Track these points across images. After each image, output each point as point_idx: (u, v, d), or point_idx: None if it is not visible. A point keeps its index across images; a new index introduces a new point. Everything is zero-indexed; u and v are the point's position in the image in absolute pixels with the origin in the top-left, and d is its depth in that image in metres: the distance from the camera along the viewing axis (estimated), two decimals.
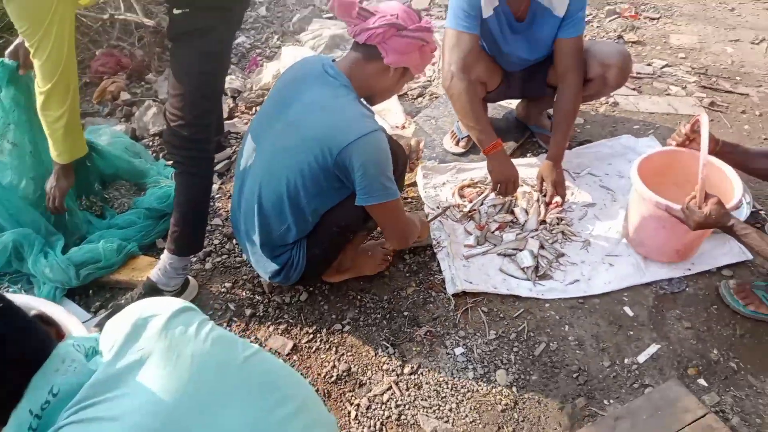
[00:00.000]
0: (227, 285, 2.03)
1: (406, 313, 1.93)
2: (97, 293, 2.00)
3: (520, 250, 2.05)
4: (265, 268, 1.79)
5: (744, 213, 2.18)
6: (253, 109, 2.97)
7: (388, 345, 1.83)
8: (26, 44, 1.67)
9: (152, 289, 1.86)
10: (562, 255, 2.07)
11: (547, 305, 1.94)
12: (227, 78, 3.04)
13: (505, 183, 2.12)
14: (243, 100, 3.00)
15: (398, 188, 1.66)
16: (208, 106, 1.78)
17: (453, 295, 1.96)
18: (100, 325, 1.81)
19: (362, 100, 1.66)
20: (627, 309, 1.92)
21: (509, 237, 2.12)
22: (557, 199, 2.20)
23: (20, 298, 1.57)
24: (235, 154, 2.64)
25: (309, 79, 1.64)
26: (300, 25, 3.76)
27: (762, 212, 2.26)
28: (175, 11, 1.68)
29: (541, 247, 2.07)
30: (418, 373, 1.76)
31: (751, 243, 1.60)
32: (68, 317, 1.50)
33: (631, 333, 1.86)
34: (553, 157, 2.19)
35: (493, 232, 2.16)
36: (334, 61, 1.67)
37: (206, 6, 1.66)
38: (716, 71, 3.19)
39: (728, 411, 1.65)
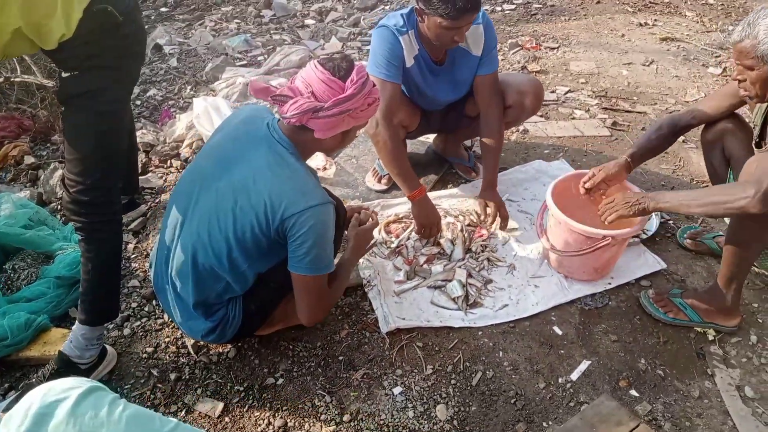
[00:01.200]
0: (149, 350, 1.91)
1: (341, 358, 1.88)
2: (6, 373, 1.83)
3: (450, 281, 2.07)
4: (196, 327, 1.71)
5: (654, 224, 2.32)
6: (168, 162, 2.88)
7: (324, 393, 1.77)
8: None
9: (66, 364, 1.72)
10: (490, 281, 2.11)
11: (480, 333, 1.95)
12: (138, 132, 2.94)
13: (429, 227, 2.22)
14: (156, 154, 2.91)
15: (332, 257, 1.63)
16: (107, 167, 1.67)
17: (387, 334, 1.94)
18: (8, 410, 1.64)
19: (305, 162, 1.61)
20: (556, 328, 1.97)
21: (438, 269, 2.14)
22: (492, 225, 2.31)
23: None
24: (150, 211, 2.53)
25: (253, 139, 1.58)
26: (213, 74, 3.72)
27: (670, 221, 2.40)
28: (64, 74, 1.60)
29: (469, 275, 2.10)
30: (358, 419, 1.70)
31: (683, 202, 1.69)
32: None
33: (563, 352, 1.90)
34: (490, 181, 2.31)
35: (421, 266, 2.17)
36: (278, 121, 1.60)
37: (95, 66, 1.59)
38: (615, 93, 3.43)
39: (660, 418, 1.70)
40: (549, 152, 2.86)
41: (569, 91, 3.43)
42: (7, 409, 1.63)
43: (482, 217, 2.33)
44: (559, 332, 1.95)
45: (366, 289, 2.09)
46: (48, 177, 2.72)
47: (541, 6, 4.76)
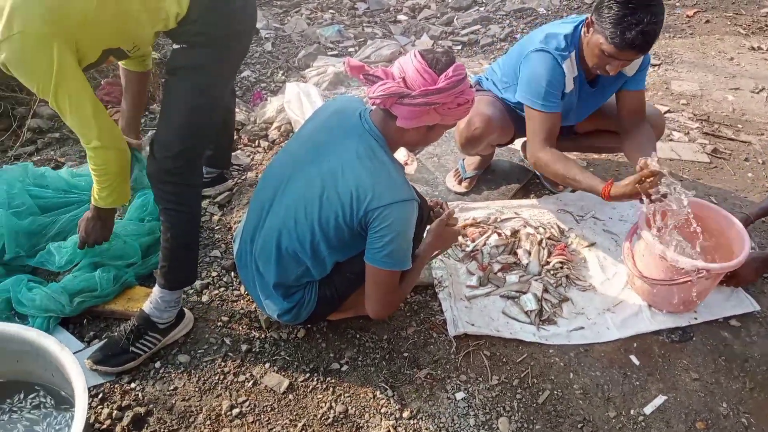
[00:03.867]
0: (224, 319, 1.98)
1: (405, 354, 1.88)
2: (92, 323, 1.95)
3: (524, 293, 2.02)
4: (274, 306, 1.75)
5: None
6: (256, 142, 2.97)
7: (386, 387, 1.77)
8: (50, 105, 1.59)
9: (146, 322, 1.81)
10: (567, 300, 2.03)
11: (551, 351, 1.89)
12: None
13: (650, 184, 1.81)
14: (246, 133, 3.01)
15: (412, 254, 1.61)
16: (195, 140, 1.73)
17: (454, 337, 1.92)
18: (93, 358, 1.75)
19: (394, 156, 1.60)
20: (633, 357, 1.88)
21: (512, 279, 2.09)
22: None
23: (13, 327, 1.52)
24: (236, 187, 2.62)
25: (345, 130, 1.59)
26: (305, 62, 3.80)
27: None
28: (175, 46, 1.69)
29: (545, 290, 2.03)
30: (418, 417, 1.70)
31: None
32: (60, 350, 1.46)
33: (638, 383, 1.81)
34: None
35: (496, 273, 2.13)
36: (370, 111, 1.61)
37: (203, 42, 1.66)
38: (718, 118, 3.22)
39: None
40: None
41: (669, 111, 3.25)
42: (91, 358, 1.75)
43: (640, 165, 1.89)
44: (636, 362, 1.86)
45: (437, 290, 2.07)
46: (145, 143, 2.87)
47: None
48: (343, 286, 1.74)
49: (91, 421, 1.65)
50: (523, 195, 2.57)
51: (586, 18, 1.93)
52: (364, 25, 4.46)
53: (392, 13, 4.69)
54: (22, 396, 1.57)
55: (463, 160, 2.60)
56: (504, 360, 1.86)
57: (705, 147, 2.94)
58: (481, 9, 4.62)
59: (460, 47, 4.04)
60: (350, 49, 3.98)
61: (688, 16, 4.57)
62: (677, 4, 4.79)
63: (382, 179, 1.52)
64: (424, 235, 1.87)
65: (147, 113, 3.26)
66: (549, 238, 2.24)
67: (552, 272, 2.12)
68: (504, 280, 2.10)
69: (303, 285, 1.73)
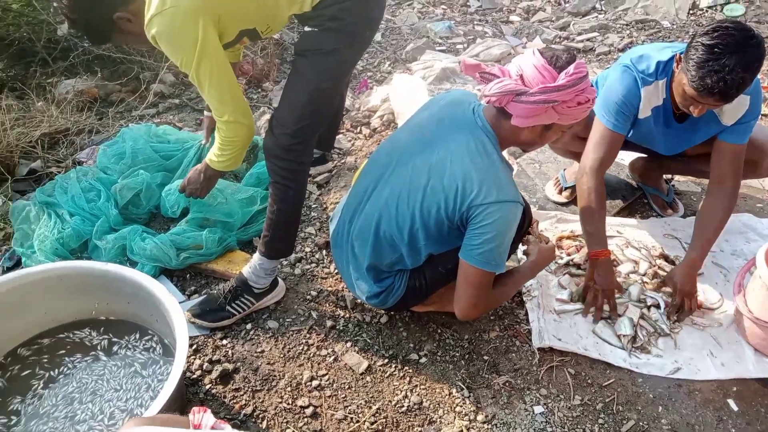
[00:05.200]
0: (312, 293, 2.05)
1: (486, 358, 1.86)
2: (194, 278, 2.08)
3: (619, 315, 1.93)
4: (363, 288, 1.78)
5: None
6: (358, 128, 3.03)
7: (463, 387, 1.76)
8: (190, 79, 1.68)
9: (243, 284, 1.91)
10: (664, 331, 1.91)
11: (640, 380, 1.80)
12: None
13: (603, 292, 1.94)
14: (349, 119, 3.08)
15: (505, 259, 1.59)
16: (314, 121, 1.79)
17: (538, 349, 1.87)
18: (192, 311, 1.87)
19: (503, 155, 1.59)
20: (731, 402, 1.75)
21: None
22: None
23: (129, 272, 1.65)
24: (335, 169, 2.69)
25: (457, 123, 1.59)
26: (413, 55, 3.83)
27: None
28: (306, 28, 1.74)
29: (642, 317, 1.93)
30: (492, 423, 1.67)
31: None
32: (168, 296, 1.57)
33: (733, 430, 1.68)
34: (692, 263, 1.95)
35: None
36: (483, 108, 1.60)
37: (334, 27, 1.70)
38: None
39: None
40: (762, 207, 2.52)
41: None
42: (191, 311, 1.86)
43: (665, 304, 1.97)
44: (735, 408, 1.73)
45: (525, 298, 2.03)
46: (256, 119, 3.01)
47: None
48: (434, 279, 1.74)
49: (184, 369, 1.76)
50: (628, 214, 2.45)
51: (676, 54, 1.81)
52: (475, 23, 4.41)
53: (505, 13, 4.61)
54: (137, 336, 1.70)
55: (565, 170, 2.52)
56: (589, 381, 1.79)
57: None
58: (600, 16, 4.43)
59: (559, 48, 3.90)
60: (459, 46, 3.96)
61: None
62: None
63: (490, 177, 1.51)
64: (522, 249, 1.83)
65: (260, 90, 3.42)
66: (656, 267, 2.11)
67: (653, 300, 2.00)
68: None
69: (394, 272, 1.75)
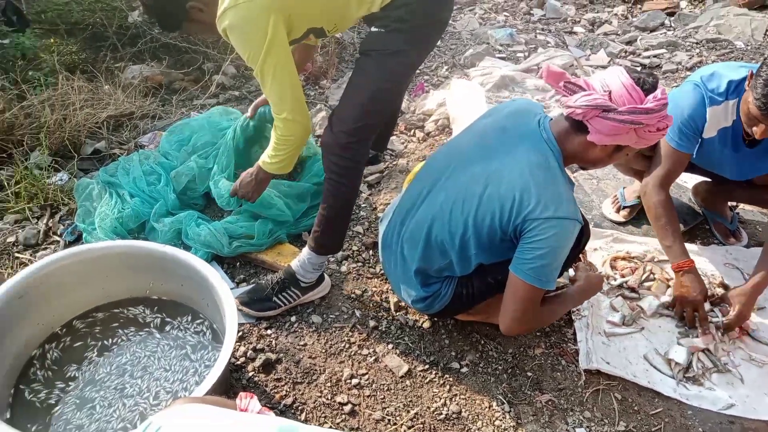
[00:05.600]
0: (357, 292, 2.05)
1: (529, 374, 1.82)
2: (243, 267, 2.12)
3: (676, 344, 1.85)
4: (410, 291, 1.77)
5: None
6: (412, 131, 3.02)
7: (504, 401, 1.73)
8: (254, 74, 1.71)
9: (291, 277, 1.92)
10: (726, 367, 1.82)
11: (690, 412, 1.72)
12: None
13: (691, 304, 1.90)
14: (404, 121, 3.07)
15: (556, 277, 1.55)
16: (373, 121, 1.79)
17: (585, 371, 1.82)
18: (240, 299, 1.90)
19: (566, 170, 1.56)
20: None
21: (667, 326, 1.92)
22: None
23: (185, 255, 1.69)
24: (386, 170, 2.70)
25: (521, 134, 1.56)
26: (471, 60, 3.79)
27: None
28: (372, 29, 1.74)
29: (705, 350, 1.85)
30: None
31: None
32: (221, 282, 1.60)
33: None
34: (756, 287, 1.89)
35: (646, 315, 1.97)
36: (549, 120, 1.57)
37: (400, 28, 1.69)
38: None
39: None
40: None
41: None
42: (239, 298, 1.89)
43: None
44: None
45: (573, 317, 1.97)
46: (312, 115, 3.05)
47: None
48: (481, 289, 1.71)
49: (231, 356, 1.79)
50: (688, 239, 2.35)
51: (749, 72, 1.74)
52: (538, 32, 4.34)
53: (569, 23, 4.52)
54: (189, 319, 1.75)
55: (624, 188, 2.44)
56: (635, 408, 1.73)
57: None
58: (669, 33, 4.29)
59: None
60: (519, 54, 3.91)
61: None
62: None
63: (549, 191, 1.47)
64: (570, 271, 1.79)
65: (317, 87, 3.46)
66: (717, 297, 2.01)
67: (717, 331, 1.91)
68: (656, 325, 1.94)
69: (442, 278, 1.73)
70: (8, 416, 1.51)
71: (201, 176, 2.28)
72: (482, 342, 1.91)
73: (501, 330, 1.64)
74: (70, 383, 1.58)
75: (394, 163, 2.74)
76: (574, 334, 1.93)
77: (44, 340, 1.68)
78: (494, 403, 1.72)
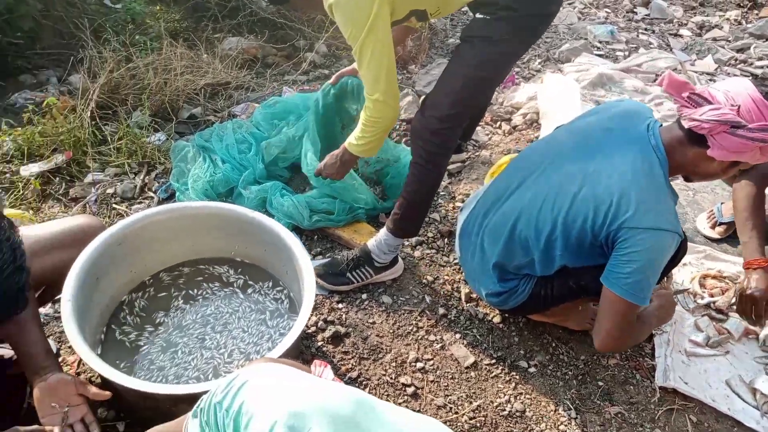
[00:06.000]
0: (429, 278, 2.05)
1: (600, 383, 1.76)
2: (320, 240, 2.17)
3: (765, 373, 1.73)
4: (484, 284, 1.75)
5: None
6: (498, 123, 2.96)
7: (571, 407, 1.68)
8: (352, 53, 1.70)
9: (366, 255, 1.95)
10: None
11: None
12: None
13: (758, 302, 1.78)
14: (491, 113, 3.01)
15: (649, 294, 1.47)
16: (466, 109, 1.76)
17: (660, 388, 1.74)
18: (315, 271, 1.94)
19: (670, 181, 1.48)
20: None
21: (754, 352, 1.80)
22: None
23: (271, 222, 1.74)
24: (468, 160, 2.66)
25: (627, 137, 1.49)
26: (567, 55, 3.66)
27: None
28: (477, 15, 1.70)
29: None
30: None
31: None
32: (303, 252, 1.64)
33: None
34: None
35: (733, 338, 1.85)
36: (659, 126, 1.49)
37: (506, 17, 1.64)
38: None
39: None
40: None
41: None
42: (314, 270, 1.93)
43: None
44: None
45: (654, 332, 1.88)
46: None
47: None
48: (561, 292, 1.66)
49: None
50: None
51: None
52: (640, 31, 4.12)
53: (675, 25, 4.26)
54: (270, 285, 1.81)
55: (722, 204, 2.29)
56: None
57: None
58: None
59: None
60: (618, 53, 3.73)
61: None
62: None
63: (650, 200, 1.40)
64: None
65: (405, 71, 3.45)
66: None
67: None
68: (743, 350, 1.82)
69: (521, 275, 1.69)
70: (99, 352, 1.63)
71: (290, 146, 2.35)
72: (554, 344, 1.86)
73: (596, 346, 1.57)
74: (159, 327, 1.68)
75: (477, 154, 2.70)
76: (653, 349, 1.85)
77: (133, 288, 1.79)
78: (560, 408, 1.68)
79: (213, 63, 3.08)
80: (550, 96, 2.82)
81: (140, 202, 2.30)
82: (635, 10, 4.46)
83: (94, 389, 1.41)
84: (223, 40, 3.45)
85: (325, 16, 1.78)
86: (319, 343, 1.79)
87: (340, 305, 1.93)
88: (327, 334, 1.81)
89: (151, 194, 2.34)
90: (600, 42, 3.84)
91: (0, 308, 1.11)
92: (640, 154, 1.44)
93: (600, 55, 3.65)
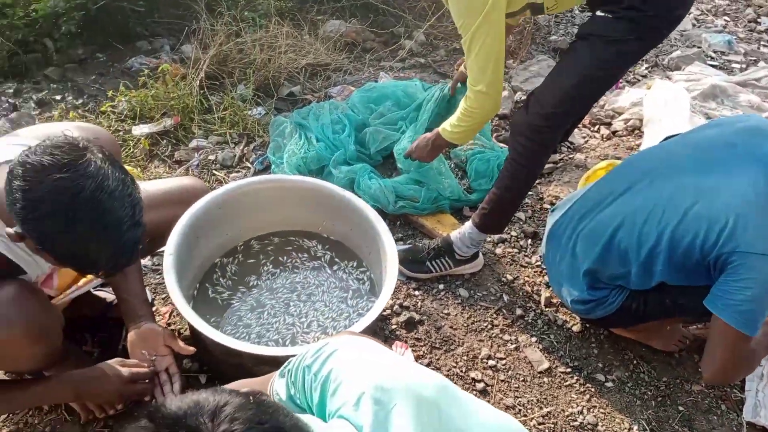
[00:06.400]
0: (508, 277, 2.03)
1: (681, 409, 1.67)
2: (402, 227, 2.20)
3: None
4: (571, 290, 1.69)
5: None
6: (597, 126, 2.85)
7: (647, 428, 1.62)
8: (462, 42, 1.68)
9: (447, 246, 1.95)
10: None
11: None
12: None
13: None
14: (590, 115, 2.90)
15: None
16: (571, 109, 1.71)
17: (747, 423, 1.62)
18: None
19: None
20: None
21: None
22: None
23: (360, 203, 1.78)
24: (561, 162, 2.58)
25: (751, 154, 1.40)
26: (677, 63, 3.45)
27: None
28: (598, 12, 1.64)
29: None
30: None
31: None
32: (389, 235, 1.67)
33: None
34: None
35: None
36: None
37: (631, 18, 1.57)
38: None
39: None
40: None
41: None
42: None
43: None
44: None
45: None
46: None
47: None
48: (654, 308, 1.58)
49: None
50: None
51: None
52: (762, 43, 3.81)
53: None
54: (354, 264, 1.86)
55: None
56: None
57: None
58: None
59: None
60: (734, 65, 3.47)
61: None
62: None
63: None
64: None
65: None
66: None
67: None
68: None
69: (612, 286, 1.63)
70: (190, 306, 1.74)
71: (388, 136, 2.39)
72: (635, 362, 1.78)
73: (704, 379, 1.53)
74: (252, 289, 1.78)
75: (571, 156, 2.62)
76: (743, 381, 1.73)
77: (224, 254, 1.88)
78: (635, 427, 1.62)
79: (315, 44, 3.17)
80: (658, 103, 2.67)
81: (238, 171, 2.42)
82: (759, 20, 4.12)
83: (180, 343, 1.51)
84: (326, 22, 3.53)
85: (430, 4, 1.78)
86: (393, 326, 1.82)
87: (416, 292, 1.94)
88: (401, 318, 1.83)
89: (248, 164, 2.45)
90: (715, 52, 3.59)
91: (115, 261, 1.16)
92: (763, 174, 1.34)
93: (714, 66, 3.41)
